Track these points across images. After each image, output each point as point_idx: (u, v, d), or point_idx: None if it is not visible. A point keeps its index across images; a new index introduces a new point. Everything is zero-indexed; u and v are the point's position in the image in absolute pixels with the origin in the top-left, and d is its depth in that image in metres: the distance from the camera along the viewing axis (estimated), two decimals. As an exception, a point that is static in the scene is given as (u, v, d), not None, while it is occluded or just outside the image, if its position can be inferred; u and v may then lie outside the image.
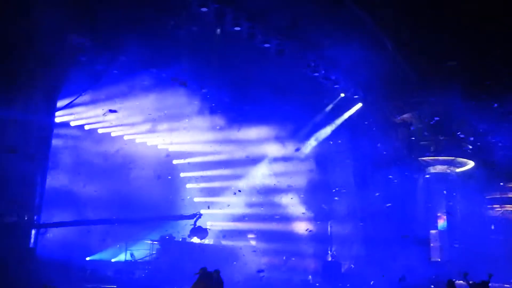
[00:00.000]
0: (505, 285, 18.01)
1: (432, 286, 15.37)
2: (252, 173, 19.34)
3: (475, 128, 17.81)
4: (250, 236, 19.91)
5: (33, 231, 11.59)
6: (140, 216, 17.22)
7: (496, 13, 12.83)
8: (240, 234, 19.08)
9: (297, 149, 19.25)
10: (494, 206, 24.29)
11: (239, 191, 18.64)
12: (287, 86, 16.21)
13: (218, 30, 14.62)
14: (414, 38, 14.39)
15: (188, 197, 21.27)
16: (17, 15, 10.85)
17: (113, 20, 13.02)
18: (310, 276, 18.60)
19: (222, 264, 13.25)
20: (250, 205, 19.08)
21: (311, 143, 19.90)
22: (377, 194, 19.17)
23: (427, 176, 21.15)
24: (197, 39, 14.91)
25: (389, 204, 18.38)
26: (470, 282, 8.00)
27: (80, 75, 14.44)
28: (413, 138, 19.58)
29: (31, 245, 11.57)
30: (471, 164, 20.82)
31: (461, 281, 15.26)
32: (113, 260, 18.37)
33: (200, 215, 16.26)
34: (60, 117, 17.06)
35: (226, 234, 19.55)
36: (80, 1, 12.16)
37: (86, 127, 19.22)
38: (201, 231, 16.30)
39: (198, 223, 16.19)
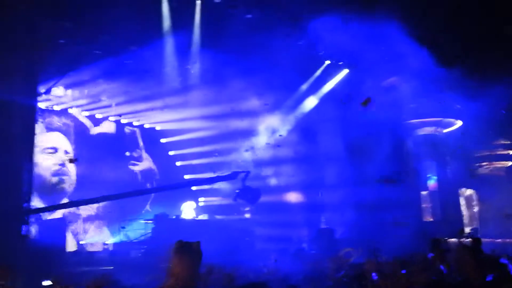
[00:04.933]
0: (496, 240, 18.36)
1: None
2: (242, 146, 19.27)
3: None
4: (245, 209, 19.96)
5: (24, 218, 11.47)
6: (172, 184, 15.48)
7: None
8: (234, 208, 19.12)
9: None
10: (483, 163, 24.57)
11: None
12: (272, 56, 16.00)
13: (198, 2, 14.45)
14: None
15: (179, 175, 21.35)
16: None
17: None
18: (305, 244, 18.82)
19: (217, 237, 13.34)
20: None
21: (299, 112, 19.85)
22: (365, 160, 19.27)
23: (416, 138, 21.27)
24: (178, 13, 14.71)
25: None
26: (464, 239, 8.09)
27: (60, 57, 14.21)
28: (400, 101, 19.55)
29: (23, 232, 11.47)
30: (458, 123, 20.96)
31: (453, 239, 15.49)
32: (108, 242, 18.42)
33: (248, 172, 13.20)
34: (42, 102, 16.87)
35: (220, 208, 19.65)
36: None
37: (70, 111, 19.05)
38: (251, 193, 13.12)
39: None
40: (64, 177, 18.38)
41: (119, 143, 20.75)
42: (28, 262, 10.30)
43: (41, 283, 7.17)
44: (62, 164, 18.36)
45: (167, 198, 18.08)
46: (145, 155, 21.92)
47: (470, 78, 16.36)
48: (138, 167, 21.53)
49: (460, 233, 17.80)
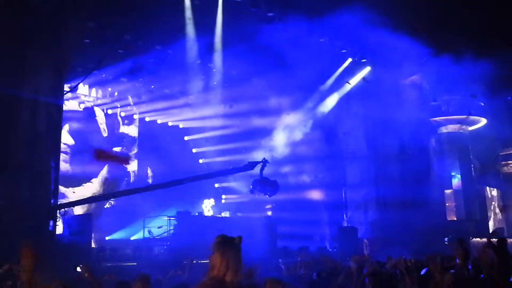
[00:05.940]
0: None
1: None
2: (264, 144, 19.30)
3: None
4: (267, 206, 19.96)
5: (51, 214, 11.71)
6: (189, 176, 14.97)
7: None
8: (257, 205, 19.17)
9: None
10: (508, 162, 24.06)
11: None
12: (293, 55, 15.98)
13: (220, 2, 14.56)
14: None
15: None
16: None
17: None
18: (327, 242, 18.84)
19: (239, 234, 13.35)
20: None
21: (321, 111, 19.76)
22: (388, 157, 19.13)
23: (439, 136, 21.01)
24: (200, 13, 14.82)
25: None
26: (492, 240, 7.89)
27: (85, 56, 14.48)
28: (423, 99, 19.35)
29: (51, 228, 11.70)
30: (483, 121, 20.60)
31: (478, 239, 15.28)
32: (131, 238, 18.67)
33: (266, 161, 12.11)
34: (69, 100, 17.19)
35: (242, 206, 19.74)
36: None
37: (96, 109, 19.36)
38: (268, 184, 12.03)
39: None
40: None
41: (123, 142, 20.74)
42: (55, 257, 10.53)
43: (66, 278, 7.32)
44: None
45: (184, 195, 17.99)
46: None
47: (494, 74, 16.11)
48: (131, 167, 21.16)
49: (492, 234, 17.54)
